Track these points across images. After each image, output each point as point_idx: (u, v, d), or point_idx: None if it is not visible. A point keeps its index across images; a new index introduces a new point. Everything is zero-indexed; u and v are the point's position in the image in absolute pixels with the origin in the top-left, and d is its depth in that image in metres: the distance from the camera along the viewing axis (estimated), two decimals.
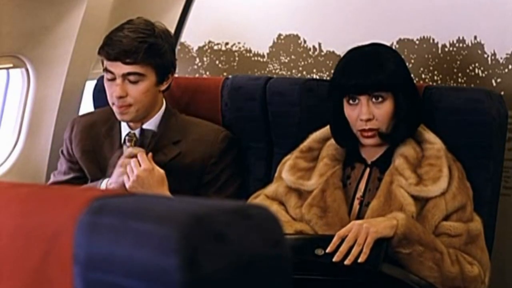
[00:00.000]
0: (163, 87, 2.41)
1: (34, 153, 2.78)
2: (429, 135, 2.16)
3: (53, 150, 2.73)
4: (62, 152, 2.57)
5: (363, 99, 2.10)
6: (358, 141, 2.16)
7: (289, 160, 2.26)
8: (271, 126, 2.53)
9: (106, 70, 2.36)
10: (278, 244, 0.80)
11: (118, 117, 2.41)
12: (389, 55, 2.17)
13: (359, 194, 2.15)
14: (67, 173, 2.54)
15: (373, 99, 2.10)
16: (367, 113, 2.09)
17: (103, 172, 2.45)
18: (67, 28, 2.67)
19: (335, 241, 1.91)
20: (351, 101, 2.12)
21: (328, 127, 2.25)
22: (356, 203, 2.14)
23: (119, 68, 2.32)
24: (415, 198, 2.05)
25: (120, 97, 2.34)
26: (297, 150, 2.27)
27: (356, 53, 2.17)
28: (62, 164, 2.57)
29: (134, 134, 2.44)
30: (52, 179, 2.58)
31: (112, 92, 2.36)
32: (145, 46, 2.31)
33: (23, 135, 2.76)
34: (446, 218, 2.05)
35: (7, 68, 2.68)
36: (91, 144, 2.50)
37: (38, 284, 0.81)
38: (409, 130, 2.15)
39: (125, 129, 2.46)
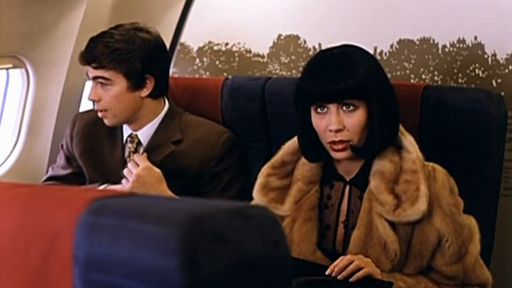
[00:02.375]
0: (144, 93, 2.38)
1: (34, 153, 2.78)
2: (406, 141, 1.96)
3: (53, 150, 2.73)
4: (62, 146, 2.59)
5: (332, 107, 1.88)
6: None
7: (260, 178, 2.07)
8: (270, 126, 2.53)
9: None
10: (278, 244, 0.80)
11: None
12: (361, 57, 1.94)
13: (342, 217, 1.99)
14: (66, 167, 2.55)
15: (344, 108, 1.88)
16: (336, 122, 1.87)
17: (100, 172, 2.46)
18: (67, 28, 2.67)
19: (329, 271, 1.82)
20: (319, 110, 1.91)
21: None
22: (341, 227, 1.99)
23: (90, 72, 2.37)
24: (398, 223, 1.90)
25: (93, 101, 2.39)
26: (269, 165, 2.08)
27: (325, 55, 1.96)
28: (61, 158, 2.58)
29: (136, 135, 2.44)
30: (50, 173, 2.59)
31: None
32: (107, 51, 2.32)
33: (23, 135, 2.76)
34: (439, 242, 1.90)
35: (7, 69, 2.68)
36: (92, 142, 2.50)
37: (38, 284, 0.81)
38: (385, 143, 1.94)
39: (126, 130, 2.46)
